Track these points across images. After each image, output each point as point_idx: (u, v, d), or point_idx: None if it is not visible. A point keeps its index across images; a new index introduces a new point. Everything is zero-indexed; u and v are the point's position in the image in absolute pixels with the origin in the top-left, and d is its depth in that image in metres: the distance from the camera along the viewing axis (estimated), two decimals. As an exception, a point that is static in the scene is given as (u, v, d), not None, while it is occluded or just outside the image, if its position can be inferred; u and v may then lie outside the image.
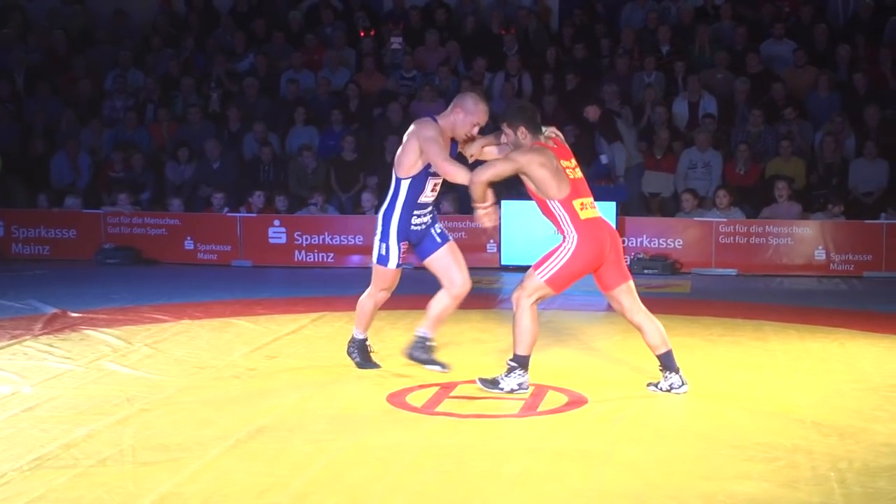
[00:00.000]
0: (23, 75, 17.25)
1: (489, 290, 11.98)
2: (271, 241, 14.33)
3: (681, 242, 13.69)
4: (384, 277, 7.56)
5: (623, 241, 13.31)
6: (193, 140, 15.67)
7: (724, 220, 13.59)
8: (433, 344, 7.50)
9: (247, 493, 5.05)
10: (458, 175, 7.02)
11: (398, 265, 7.50)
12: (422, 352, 7.48)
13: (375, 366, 7.66)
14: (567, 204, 6.77)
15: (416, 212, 7.39)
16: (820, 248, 13.40)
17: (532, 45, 16.75)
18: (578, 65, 16.00)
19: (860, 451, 5.72)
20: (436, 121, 7.34)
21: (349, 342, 7.79)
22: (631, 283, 7.10)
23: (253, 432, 6.05)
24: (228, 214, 14.60)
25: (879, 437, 5.98)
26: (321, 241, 14.26)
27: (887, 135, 14.45)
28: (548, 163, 6.78)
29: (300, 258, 14.27)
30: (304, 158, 15.06)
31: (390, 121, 15.45)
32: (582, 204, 6.80)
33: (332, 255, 14.22)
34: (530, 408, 6.65)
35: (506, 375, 6.91)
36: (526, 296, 6.82)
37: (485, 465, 5.49)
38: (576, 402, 6.75)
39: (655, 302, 11.14)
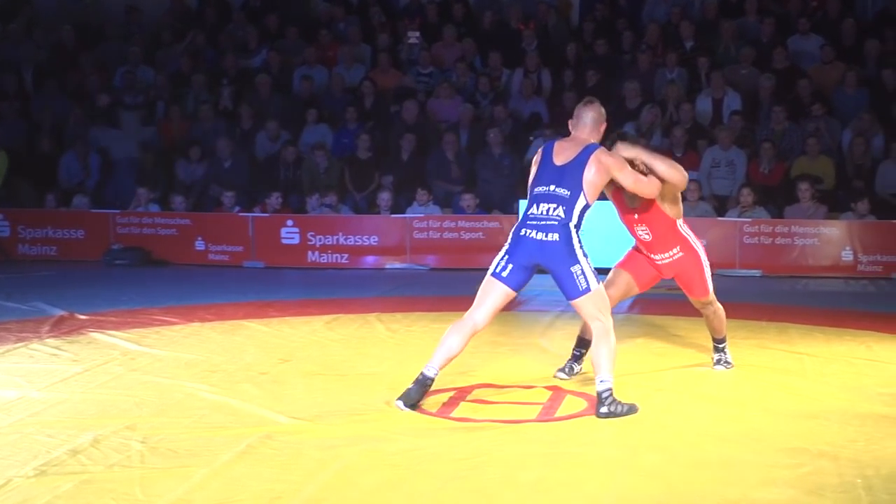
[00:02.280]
0: (30, 72, 17.31)
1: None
2: (284, 241, 14.34)
3: (704, 242, 13.56)
4: (606, 296, 6.81)
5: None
6: (205, 138, 15.70)
7: (749, 220, 13.55)
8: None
9: (258, 500, 5.05)
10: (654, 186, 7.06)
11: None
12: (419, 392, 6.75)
13: (636, 408, 6.67)
14: (685, 222, 7.46)
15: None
16: (847, 248, 13.35)
17: (552, 40, 16.73)
18: (599, 61, 15.97)
19: (888, 457, 5.70)
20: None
21: (604, 400, 6.56)
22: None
23: (264, 437, 6.06)
24: (240, 214, 14.62)
25: (908, 444, 5.96)
26: (335, 242, 14.27)
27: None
28: None
29: (313, 259, 14.28)
30: (317, 157, 15.07)
31: (406, 118, 15.45)
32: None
33: (346, 255, 14.23)
34: (548, 412, 6.64)
35: (722, 356, 7.85)
36: (708, 306, 7.71)
37: (501, 471, 5.48)
38: (594, 406, 6.72)
39: (677, 304, 11.14)
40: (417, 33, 16.93)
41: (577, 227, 6.64)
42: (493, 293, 6.68)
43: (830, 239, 13.40)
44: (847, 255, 13.33)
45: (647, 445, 5.93)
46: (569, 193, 6.62)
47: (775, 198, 14.05)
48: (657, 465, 5.57)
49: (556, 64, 16.14)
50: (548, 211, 6.61)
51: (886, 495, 5.09)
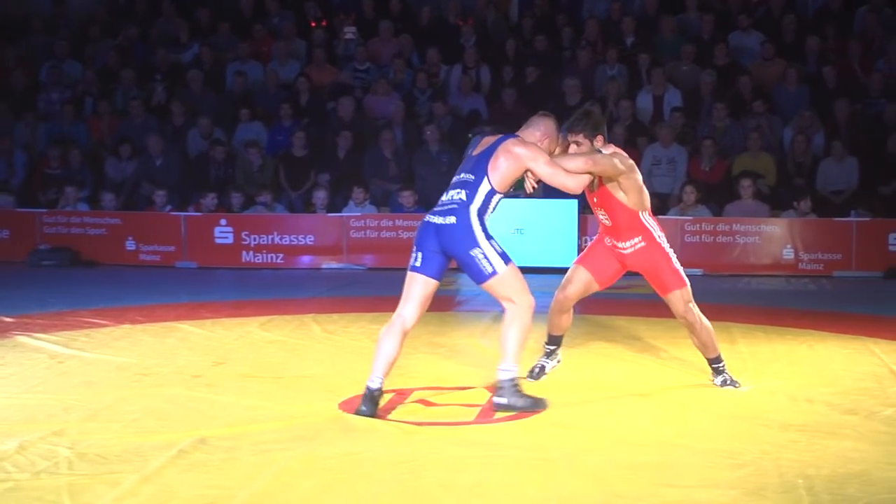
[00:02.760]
0: (-49, 67, 17.10)
1: (446, 291, 11.96)
2: (217, 241, 14.27)
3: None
4: (519, 276, 6.64)
5: (586, 241, 13.53)
6: (135, 135, 15.57)
7: (690, 218, 13.66)
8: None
9: (190, 506, 5.03)
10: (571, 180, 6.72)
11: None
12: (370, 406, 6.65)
13: (544, 403, 6.69)
14: (652, 215, 7.21)
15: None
16: (788, 246, 13.52)
17: (491, 36, 16.79)
18: (539, 57, 16.04)
19: (829, 456, 5.77)
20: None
21: (502, 389, 6.64)
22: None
23: (197, 442, 6.01)
24: (172, 213, 14.52)
25: (848, 443, 6.03)
26: (270, 242, 14.22)
27: (857, 130, 14.59)
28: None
29: (248, 259, 14.22)
30: (250, 155, 15.01)
31: (342, 115, 15.43)
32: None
33: (281, 255, 14.19)
34: (487, 414, 6.65)
35: (721, 376, 7.38)
36: (690, 308, 7.22)
37: (440, 474, 5.49)
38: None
39: (619, 304, 11.23)
40: (354, 28, 16.90)
41: (482, 211, 6.59)
42: (413, 286, 6.68)
43: (772, 237, 13.57)
44: (788, 254, 13.50)
45: (586, 447, 5.96)
46: (473, 178, 6.64)
47: (717, 196, 14.18)
48: (597, 466, 5.60)
49: (495, 60, 16.19)
50: (452, 197, 6.65)
51: (828, 495, 5.16)
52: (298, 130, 15.20)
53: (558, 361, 7.61)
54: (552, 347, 7.54)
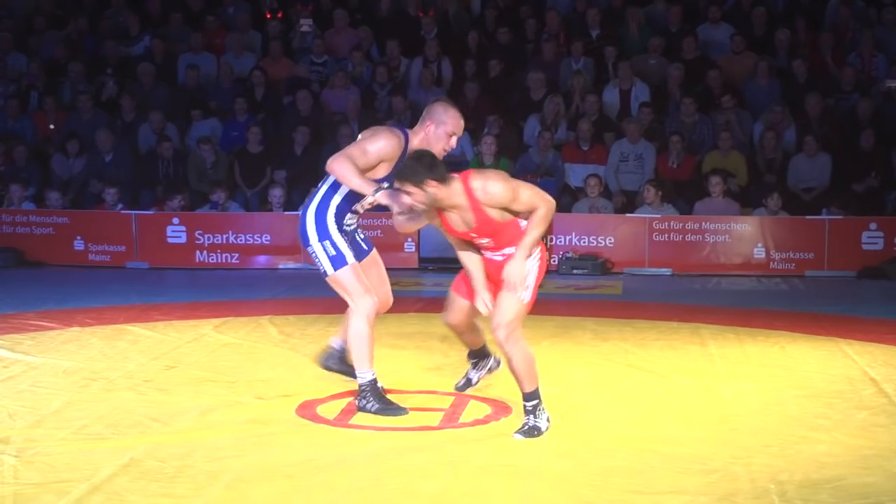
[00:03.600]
0: None
1: (408, 292, 11.97)
2: (170, 240, 14.21)
3: (612, 240, 13.80)
4: (352, 280, 6.74)
5: (551, 239, 13.57)
6: (83, 131, 15.47)
7: (658, 216, 13.71)
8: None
9: (142, 516, 5.01)
10: (359, 186, 6.48)
11: (357, 259, 6.78)
12: (338, 363, 7.28)
13: (403, 411, 6.73)
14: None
15: (348, 215, 6.83)
16: (759, 245, 13.60)
17: (452, 28, 16.80)
18: (502, 50, 16.06)
19: (802, 461, 5.80)
20: (406, 135, 6.67)
21: (359, 394, 6.78)
22: None
23: (149, 449, 5.99)
24: (123, 212, 14.44)
25: (821, 447, 6.08)
26: (224, 241, 14.17)
27: (829, 125, 14.69)
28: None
29: (202, 259, 14.17)
30: (203, 151, 14.95)
31: (299, 110, 15.39)
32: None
33: (236, 255, 14.14)
34: (451, 419, 6.65)
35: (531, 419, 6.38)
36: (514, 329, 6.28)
37: (402, 481, 5.48)
38: (500, 411, 6.76)
39: (585, 304, 11.28)
40: (310, 20, 16.87)
41: (322, 208, 6.71)
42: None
43: (742, 236, 13.65)
44: (759, 253, 13.58)
45: (554, 452, 5.97)
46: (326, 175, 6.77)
47: (685, 193, 14.23)
48: (565, 472, 5.61)
49: (456, 53, 16.19)
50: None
51: (801, 501, 5.19)
52: (254, 126, 15.15)
53: (490, 369, 7.27)
54: (475, 360, 7.27)
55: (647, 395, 7.36)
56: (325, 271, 6.75)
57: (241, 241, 14.17)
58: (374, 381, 6.74)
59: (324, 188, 6.76)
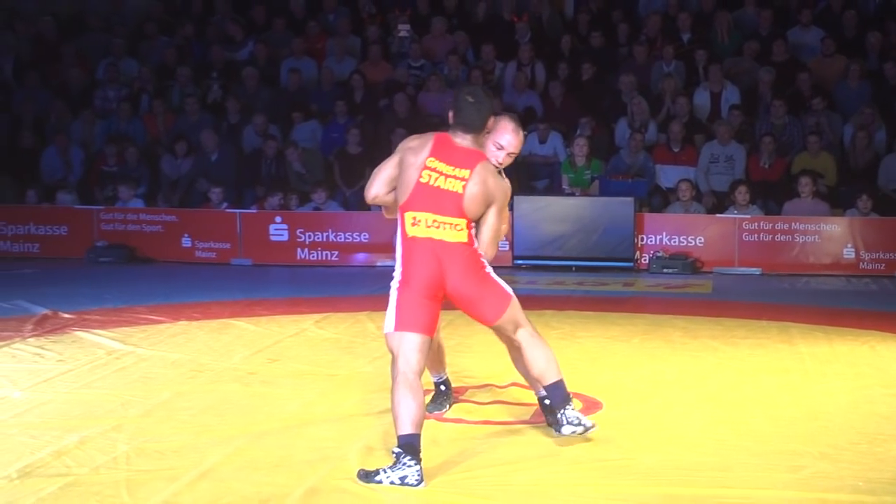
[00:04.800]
0: (11, 64, 17.29)
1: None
2: (272, 238, 14.36)
3: (702, 240, 13.68)
4: None
5: (641, 239, 13.49)
6: (190, 132, 15.68)
7: (748, 216, 13.57)
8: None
9: (247, 503, 5.07)
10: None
11: None
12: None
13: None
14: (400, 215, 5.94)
15: None
16: (849, 245, 13.39)
17: (546, 32, 16.76)
18: (594, 53, 16.00)
19: (890, 460, 5.72)
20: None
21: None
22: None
23: (253, 439, 6.07)
24: (228, 210, 14.62)
25: (910, 446, 5.99)
26: (324, 239, 14.28)
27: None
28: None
29: (303, 256, 14.29)
30: (290, 156, 15.05)
31: (397, 112, 15.46)
32: (415, 218, 5.85)
33: (336, 253, 14.24)
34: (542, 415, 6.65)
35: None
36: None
37: (494, 473, 5.49)
38: (590, 407, 6.74)
39: (675, 302, 11.20)
40: (408, 25, 16.93)
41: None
42: None
43: (832, 236, 13.45)
44: (849, 253, 13.37)
45: (643, 448, 5.94)
46: None
47: (775, 194, 14.07)
48: (654, 467, 5.59)
49: (550, 56, 16.16)
50: None
51: (890, 497, 5.12)
52: (353, 127, 15.24)
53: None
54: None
55: (735, 392, 7.29)
56: None
57: (340, 239, 14.27)
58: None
59: None
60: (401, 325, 5.75)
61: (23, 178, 15.64)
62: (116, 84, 16.71)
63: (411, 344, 5.69)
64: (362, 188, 15.46)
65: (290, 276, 13.56)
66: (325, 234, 14.28)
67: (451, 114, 5.90)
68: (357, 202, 14.87)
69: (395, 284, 6.03)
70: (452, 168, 5.79)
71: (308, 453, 5.81)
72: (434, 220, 5.78)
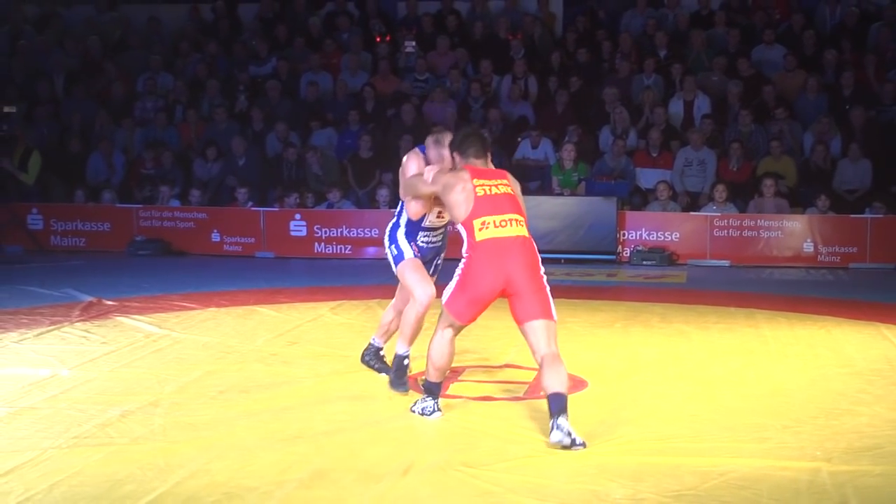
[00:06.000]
0: (61, 78, 17.31)
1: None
2: (292, 233, 14.36)
3: (678, 235, 13.68)
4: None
5: (623, 234, 13.49)
6: (220, 138, 15.68)
7: (719, 214, 13.58)
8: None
9: (271, 470, 5.08)
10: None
11: (416, 255, 6.66)
12: (374, 359, 7.12)
13: (403, 389, 6.57)
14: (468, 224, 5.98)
15: (422, 233, 6.73)
16: (808, 240, 13.39)
17: (537, 49, 16.73)
18: (581, 68, 15.98)
19: (845, 431, 5.73)
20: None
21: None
22: (541, 322, 5.90)
23: (276, 413, 6.08)
24: (252, 209, 14.62)
25: (863, 419, 5.99)
26: (339, 234, 14.28)
27: (871, 135, 14.42)
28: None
29: (319, 250, 14.29)
30: (310, 159, 15.05)
31: (404, 121, 15.45)
32: (483, 222, 5.92)
33: (349, 247, 14.24)
34: (534, 391, 6.63)
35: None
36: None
37: (492, 444, 5.50)
38: (577, 385, 6.74)
39: (653, 291, 11.20)
40: (414, 43, 16.92)
41: (397, 221, 6.84)
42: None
43: (793, 232, 13.45)
44: (808, 247, 13.38)
45: (624, 420, 5.94)
46: None
47: (742, 193, 14.06)
48: (634, 438, 5.59)
49: (541, 71, 16.14)
50: None
51: (845, 465, 5.12)
52: (365, 134, 15.24)
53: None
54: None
55: (707, 371, 7.30)
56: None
57: (353, 234, 14.27)
58: (403, 358, 6.62)
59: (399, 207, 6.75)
60: (451, 307, 5.96)
61: (71, 179, 15.68)
62: (154, 96, 16.71)
63: (454, 323, 5.99)
64: (373, 189, 15.59)
65: (308, 267, 13.57)
66: (339, 230, 14.28)
67: (455, 155, 6.19)
68: (368, 201, 14.89)
69: (460, 270, 6.01)
70: (494, 180, 6.10)
71: (325, 426, 5.82)
72: (501, 220, 5.95)
